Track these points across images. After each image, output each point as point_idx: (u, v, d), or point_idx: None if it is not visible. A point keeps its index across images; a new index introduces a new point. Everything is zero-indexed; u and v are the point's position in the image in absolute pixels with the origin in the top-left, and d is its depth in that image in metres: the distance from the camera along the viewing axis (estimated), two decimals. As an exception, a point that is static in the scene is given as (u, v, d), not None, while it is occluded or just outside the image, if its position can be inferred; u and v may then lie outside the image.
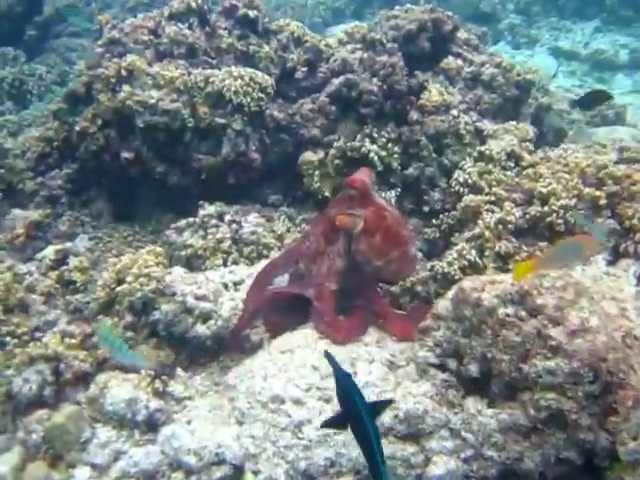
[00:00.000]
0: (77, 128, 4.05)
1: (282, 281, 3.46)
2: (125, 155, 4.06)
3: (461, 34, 4.65)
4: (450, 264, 3.41)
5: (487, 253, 3.43)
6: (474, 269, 3.39)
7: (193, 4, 4.27)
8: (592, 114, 6.34)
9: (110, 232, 4.41)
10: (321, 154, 4.26)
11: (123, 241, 4.35)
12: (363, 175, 3.20)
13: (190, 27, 4.28)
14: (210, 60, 4.24)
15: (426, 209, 4.14)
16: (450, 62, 4.41)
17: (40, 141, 4.51)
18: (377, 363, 2.95)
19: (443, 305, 2.92)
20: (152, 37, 4.19)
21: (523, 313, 2.60)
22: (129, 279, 3.28)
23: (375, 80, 4.05)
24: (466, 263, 3.40)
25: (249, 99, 3.98)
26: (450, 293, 2.90)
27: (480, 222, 3.53)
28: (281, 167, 4.52)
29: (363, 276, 3.20)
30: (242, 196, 4.42)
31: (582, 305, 2.55)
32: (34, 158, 4.53)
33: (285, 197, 4.60)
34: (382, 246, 3.08)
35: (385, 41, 4.15)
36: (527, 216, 3.47)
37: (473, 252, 3.42)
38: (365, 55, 4.12)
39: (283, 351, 3.07)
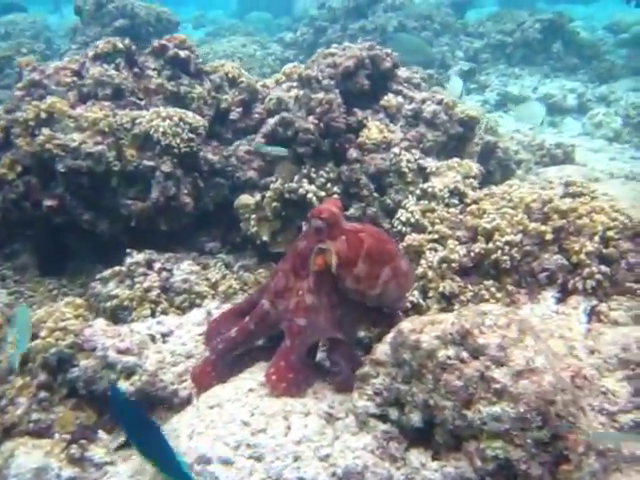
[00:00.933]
0: (-8, 175, 3.83)
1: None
2: (47, 203, 3.87)
3: (402, 72, 4.59)
4: (392, 307, 3.24)
5: (431, 294, 3.29)
6: (417, 311, 3.24)
7: (119, 44, 4.15)
8: (541, 154, 6.35)
9: (34, 286, 4.16)
10: (258, 197, 4.10)
11: (47, 295, 4.10)
12: (331, 205, 2.90)
13: (117, 68, 4.14)
14: (138, 101, 4.10)
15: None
16: (390, 99, 4.33)
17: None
18: (313, 416, 2.74)
19: (382, 350, 2.73)
20: (75, 79, 4.05)
21: (465, 354, 2.43)
22: (43, 334, 3.04)
23: (311, 118, 3.93)
24: (409, 305, 3.23)
25: (179, 140, 3.84)
26: (389, 336, 2.72)
27: (423, 262, 3.39)
28: (217, 212, 4.36)
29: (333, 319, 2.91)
30: (177, 244, 4.23)
31: (527, 344, 2.40)
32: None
33: (223, 244, 4.44)
34: (369, 272, 2.76)
35: (321, 78, 4.05)
36: (471, 254, 3.34)
37: (416, 293, 3.27)
38: (301, 93, 4.01)
39: (211, 406, 2.84)
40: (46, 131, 3.72)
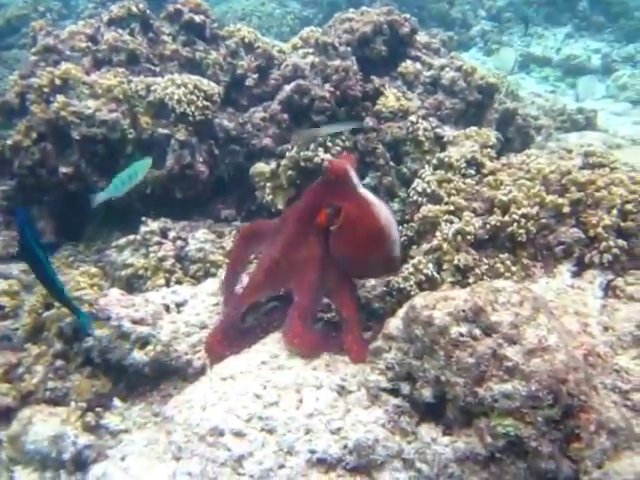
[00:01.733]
0: (9, 142, 3.83)
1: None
2: (63, 170, 3.87)
3: (421, 37, 4.51)
4: (406, 279, 3.25)
5: (445, 266, 3.27)
6: (431, 284, 3.24)
7: (134, 9, 4.10)
8: (562, 119, 6.24)
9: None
10: (273, 165, 4.08)
11: (64, 262, 4.13)
12: (346, 161, 2.86)
13: (131, 33, 4.11)
14: (153, 67, 4.07)
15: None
16: (408, 66, 4.26)
17: (-27, 156, 4.28)
18: (325, 389, 2.76)
19: (394, 324, 2.74)
20: (90, 44, 4.01)
21: (477, 332, 2.43)
22: (57, 303, 3.07)
23: (327, 86, 3.89)
24: (423, 278, 3.23)
25: (194, 108, 3.81)
26: (401, 311, 2.73)
27: (438, 234, 3.37)
28: (233, 180, 4.35)
29: (339, 274, 2.94)
30: (192, 211, 4.24)
31: (540, 322, 2.39)
32: (-32, 173, 4.29)
33: (238, 211, 4.43)
34: (363, 244, 2.78)
35: (338, 45, 3.99)
36: (487, 226, 3.31)
37: (430, 266, 3.26)
38: (317, 60, 3.95)
39: (224, 378, 2.88)
40: (60, 98, 3.71)
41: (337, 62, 3.93)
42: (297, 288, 2.91)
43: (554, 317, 2.49)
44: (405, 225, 3.80)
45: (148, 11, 4.22)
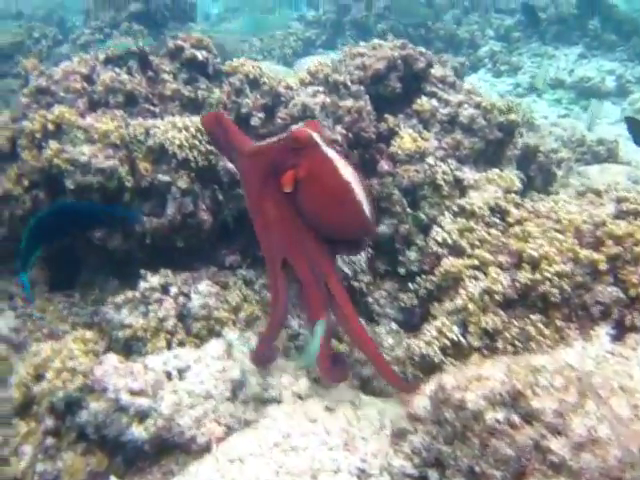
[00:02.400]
0: (-1, 191, 3.64)
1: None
2: (57, 217, 3.64)
3: (436, 70, 4.31)
4: (429, 344, 3.03)
5: (471, 329, 3.05)
6: (457, 350, 3.01)
7: (132, 48, 3.90)
8: (582, 150, 6.05)
9: (43, 304, 3.98)
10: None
11: (58, 316, 3.92)
12: (312, 128, 2.94)
13: (129, 72, 3.91)
14: (152, 108, 3.88)
15: (402, 271, 3.77)
16: (424, 103, 4.07)
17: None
18: (344, 473, 2.55)
19: (421, 404, 2.52)
20: (85, 84, 3.82)
21: (516, 419, 2.22)
22: (49, 375, 2.86)
23: (339, 128, 3.69)
24: (447, 343, 3.01)
25: (196, 153, 3.61)
26: (428, 389, 2.51)
27: (462, 292, 3.16)
28: (238, 224, 4.13)
29: (311, 233, 2.98)
30: (195, 258, 4.02)
31: (588, 409, 2.18)
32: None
33: (244, 258, 4.21)
34: (328, 199, 2.83)
35: (350, 83, 3.79)
36: (516, 284, 3.09)
37: (455, 329, 3.05)
38: (328, 100, 3.75)
39: (232, 460, 2.67)
40: (54, 144, 3.51)
41: (349, 102, 3.74)
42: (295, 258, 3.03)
43: (602, 401, 2.26)
44: (423, 276, 3.60)
45: (147, 48, 4.02)
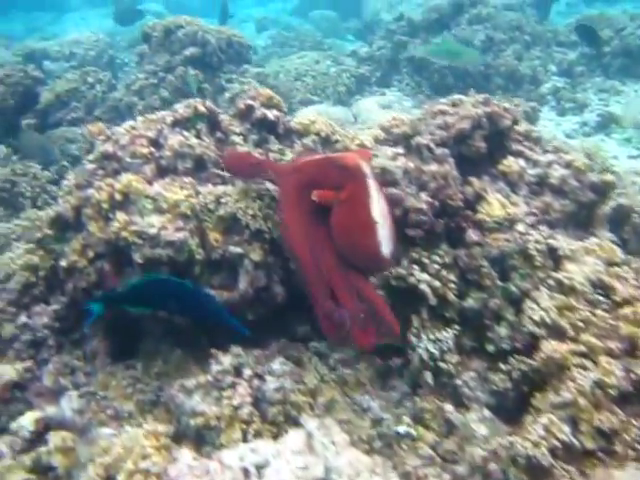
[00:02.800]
0: (64, 264, 3.49)
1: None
2: (124, 298, 3.48)
3: (520, 126, 4.06)
4: (536, 445, 2.74)
5: (583, 428, 2.76)
6: (568, 452, 2.72)
7: (201, 108, 3.75)
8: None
9: (106, 380, 3.80)
10: (358, 282, 3.64)
11: (122, 393, 3.73)
12: (364, 156, 3.00)
13: (198, 135, 3.75)
14: (222, 173, 3.69)
15: (491, 349, 3.49)
16: (511, 164, 3.82)
17: (25, 270, 3.95)
18: None
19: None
20: (153, 149, 3.66)
21: None
22: (121, 477, 2.65)
23: (424, 195, 3.46)
24: (558, 444, 2.72)
25: (270, 224, 3.41)
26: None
27: (570, 384, 2.87)
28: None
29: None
30: (263, 329, 3.82)
31: None
32: (17, 290, 3.96)
33: (314, 326, 3.99)
34: (351, 226, 2.87)
35: (433, 145, 3.57)
36: (632, 375, 2.80)
37: (565, 428, 2.76)
38: (411, 165, 3.53)
39: None
40: (121, 216, 3.35)
41: (434, 167, 3.51)
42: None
43: None
44: (517, 356, 3.33)
45: (217, 109, 3.86)
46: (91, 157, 3.72)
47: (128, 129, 3.86)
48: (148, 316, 3.87)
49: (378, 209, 2.80)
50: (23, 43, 12.89)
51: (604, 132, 9.32)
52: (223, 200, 3.48)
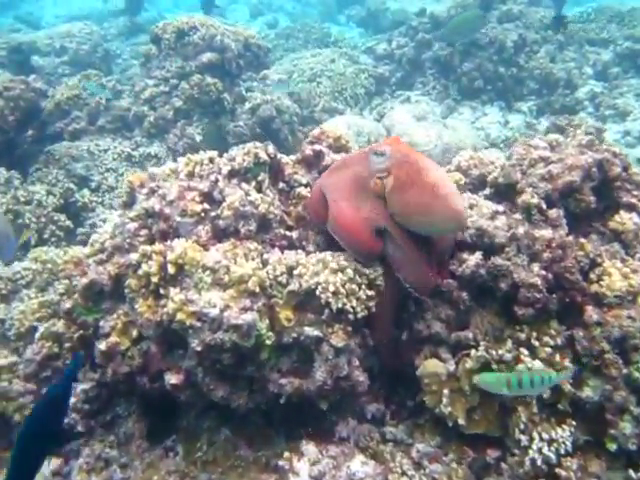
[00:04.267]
0: (102, 347, 3.00)
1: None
2: (172, 380, 3.03)
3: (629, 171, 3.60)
4: None
5: None
6: None
7: (263, 155, 3.25)
8: None
9: (149, 475, 3.32)
10: (451, 363, 3.19)
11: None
12: (394, 144, 3.11)
13: (259, 187, 3.25)
14: (289, 233, 3.21)
15: (612, 447, 3.04)
16: (625, 221, 3.37)
17: (46, 339, 3.47)
18: None
19: None
20: (206, 205, 3.16)
21: None
22: None
23: (537, 267, 2.99)
24: None
25: (355, 302, 2.94)
26: None
27: None
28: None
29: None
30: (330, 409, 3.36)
31: None
32: (37, 362, 3.47)
33: (388, 404, 3.55)
34: (420, 199, 2.94)
35: (545, 206, 3.10)
36: None
37: None
38: (520, 231, 3.06)
39: None
40: (177, 296, 2.87)
41: (548, 233, 3.04)
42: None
43: None
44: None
45: (279, 155, 3.36)
46: (133, 214, 3.21)
47: (171, 175, 3.36)
48: (186, 385, 3.38)
49: (439, 175, 2.98)
50: (7, 35, 12.22)
51: (650, 142, 8.89)
52: (297, 272, 2.99)
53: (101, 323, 3.18)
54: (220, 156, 3.47)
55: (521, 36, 9.62)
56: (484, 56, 9.40)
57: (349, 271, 2.97)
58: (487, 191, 3.66)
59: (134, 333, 3.07)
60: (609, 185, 3.49)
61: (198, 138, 6.70)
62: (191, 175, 3.37)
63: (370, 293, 3.01)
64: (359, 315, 2.99)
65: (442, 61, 9.64)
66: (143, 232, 3.19)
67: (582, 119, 7.29)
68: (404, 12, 14.35)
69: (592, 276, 3.19)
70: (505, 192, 3.54)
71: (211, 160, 3.44)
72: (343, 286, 2.95)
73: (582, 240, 3.26)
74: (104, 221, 5.42)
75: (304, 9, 21.98)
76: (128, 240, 3.17)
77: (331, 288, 2.93)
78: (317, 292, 2.94)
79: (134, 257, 3.07)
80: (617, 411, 3.05)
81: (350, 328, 3.00)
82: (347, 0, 20.38)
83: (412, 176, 2.93)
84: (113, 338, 3.05)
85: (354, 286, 2.97)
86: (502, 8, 10.08)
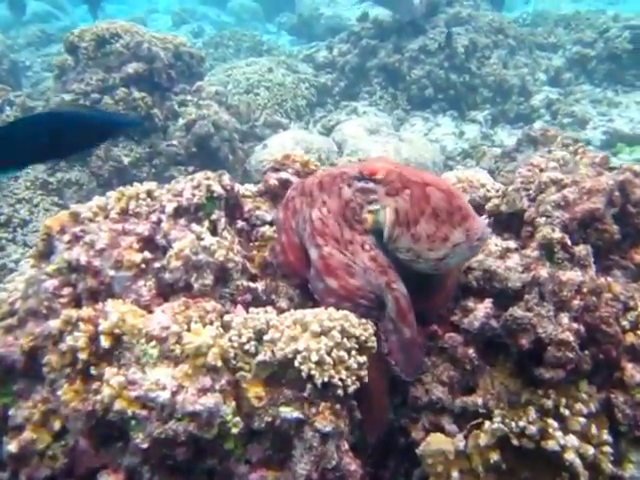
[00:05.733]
0: (12, 448, 2.35)
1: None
2: (109, 483, 2.38)
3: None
4: None
5: None
6: None
7: (216, 188, 2.67)
8: None
9: None
10: (459, 438, 2.66)
11: None
12: (384, 162, 2.64)
13: (213, 228, 2.66)
14: (253, 285, 2.62)
15: (661, 537, 2.56)
16: (652, 254, 2.90)
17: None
18: None
19: None
20: (147, 254, 2.54)
21: None
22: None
23: (566, 318, 2.48)
24: None
25: (344, 372, 2.38)
26: None
27: None
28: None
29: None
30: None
31: None
32: None
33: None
34: (435, 231, 2.48)
35: (569, 243, 2.61)
36: None
37: None
38: (543, 273, 2.55)
39: None
40: (114, 378, 2.25)
41: (577, 275, 2.54)
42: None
43: None
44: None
45: (235, 186, 2.78)
46: (51, 269, 2.57)
47: (99, 214, 2.74)
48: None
49: (445, 186, 2.55)
50: None
51: (610, 151, 8.63)
52: (268, 337, 2.41)
53: (11, 412, 2.51)
54: (160, 188, 2.87)
55: (472, 40, 9.28)
56: (434, 62, 9.02)
57: (335, 334, 2.40)
58: (484, 221, 3.16)
59: (56, 425, 2.43)
60: (626, 210, 3.02)
61: (126, 161, 6.02)
62: (124, 213, 2.77)
63: (361, 360, 2.44)
64: (350, 390, 2.41)
65: (389, 69, 9.22)
66: (66, 291, 2.55)
67: (558, 130, 6.92)
68: (339, 18, 14.03)
69: (625, 324, 2.71)
70: (508, 222, 3.05)
71: (149, 194, 2.83)
72: (329, 354, 2.38)
73: (609, 280, 2.78)
74: (17, 263, 4.73)
75: (229, 18, 21.56)
76: (46, 303, 2.53)
77: (314, 357, 2.35)
78: (296, 363, 2.36)
79: (54, 325, 2.44)
80: (666, 490, 2.56)
81: (339, 406, 2.43)
82: (276, 7, 20.06)
83: (420, 203, 2.49)
84: (28, 434, 2.40)
85: (342, 353, 2.40)
86: (449, 11, 9.74)
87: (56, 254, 2.63)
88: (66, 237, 2.62)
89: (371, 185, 2.54)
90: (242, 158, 6.98)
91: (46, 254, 2.74)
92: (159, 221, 2.63)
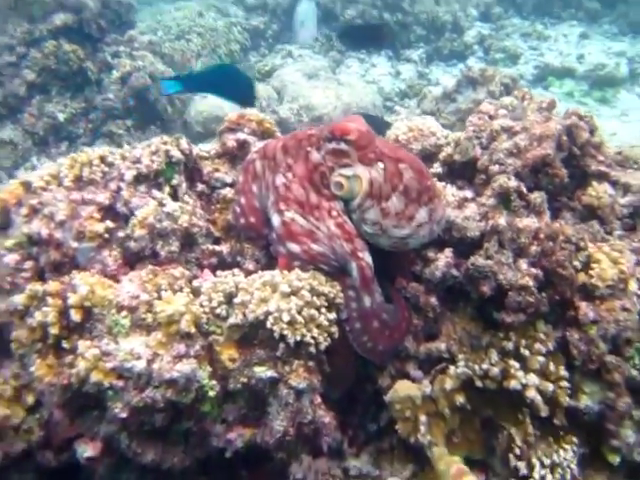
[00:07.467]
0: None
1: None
2: (88, 454, 2.41)
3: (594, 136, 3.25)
4: None
5: None
6: None
7: (175, 152, 2.65)
8: None
9: None
10: (426, 384, 2.77)
11: None
12: (358, 123, 2.56)
13: (174, 193, 2.65)
14: (218, 249, 2.64)
15: (615, 460, 2.74)
16: (600, 194, 3.02)
17: None
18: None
19: None
20: (110, 223, 2.53)
21: None
22: None
23: (524, 265, 2.59)
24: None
25: (316, 330, 2.44)
26: None
27: None
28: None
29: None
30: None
31: None
32: None
33: (344, 429, 3.11)
34: (404, 209, 2.50)
35: (525, 189, 2.70)
36: None
37: None
38: (502, 222, 2.63)
39: None
40: (89, 351, 2.25)
41: (533, 221, 2.64)
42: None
43: None
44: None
45: (195, 150, 2.76)
46: (9, 243, 2.53)
47: (52, 182, 2.69)
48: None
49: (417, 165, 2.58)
50: None
51: (541, 85, 8.81)
52: (238, 300, 2.44)
53: (-17, 393, 2.50)
54: (112, 154, 2.83)
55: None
56: (367, 2, 8.95)
57: (305, 293, 2.45)
58: (437, 169, 3.22)
59: (30, 399, 2.43)
60: (572, 152, 3.12)
61: (61, 117, 5.85)
62: (79, 180, 2.72)
63: (331, 317, 2.50)
64: (321, 346, 2.48)
65: (322, 9, 9.11)
66: (28, 265, 2.52)
67: (496, 69, 7.00)
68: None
69: (576, 264, 2.82)
70: (461, 171, 3.12)
71: (103, 160, 2.79)
72: (300, 313, 2.42)
73: (561, 223, 2.89)
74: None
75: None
76: (8, 278, 2.49)
77: (285, 317, 2.39)
78: (268, 324, 2.40)
79: (19, 300, 2.42)
80: (618, 419, 2.73)
81: (312, 363, 2.49)
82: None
83: (393, 179, 2.49)
84: (1, 410, 2.39)
85: (313, 311, 2.45)
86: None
87: (14, 228, 2.59)
88: (23, 210, 2.58)
89: (343, 146, 2.49)
90: (180, 109, 6.87)
91: (2, 228, 2.69)
92: (119, 189, 2.61)
